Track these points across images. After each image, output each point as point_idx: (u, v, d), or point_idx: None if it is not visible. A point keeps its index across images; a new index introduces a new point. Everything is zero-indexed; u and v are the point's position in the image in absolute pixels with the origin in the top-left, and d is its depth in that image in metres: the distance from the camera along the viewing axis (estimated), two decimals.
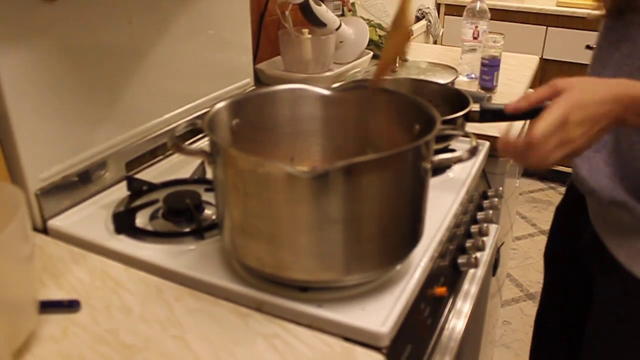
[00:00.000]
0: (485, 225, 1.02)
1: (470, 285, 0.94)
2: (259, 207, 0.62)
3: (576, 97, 0.66)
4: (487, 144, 1.10)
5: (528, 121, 0.83)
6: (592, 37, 2.89)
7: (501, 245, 1.45)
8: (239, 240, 0.66)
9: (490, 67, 1.46)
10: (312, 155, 0.81)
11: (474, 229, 1.00)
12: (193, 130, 0.93)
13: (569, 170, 0.93)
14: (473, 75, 1.59)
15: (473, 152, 0.66)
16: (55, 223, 0.82)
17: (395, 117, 0.74)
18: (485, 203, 1.08)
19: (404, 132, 0.71)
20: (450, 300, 0.88)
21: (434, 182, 0.92)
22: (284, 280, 0.66)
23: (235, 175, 0.63)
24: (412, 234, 0.69)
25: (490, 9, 1.62)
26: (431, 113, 0.68)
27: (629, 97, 0.66)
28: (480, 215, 1.04)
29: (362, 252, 0.64)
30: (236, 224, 0.66)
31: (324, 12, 1.42)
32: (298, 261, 0.63)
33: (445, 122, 0.89)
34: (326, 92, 0.78)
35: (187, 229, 0.80)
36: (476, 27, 1.57)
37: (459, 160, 0.66)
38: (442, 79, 1.35)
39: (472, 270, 0.96)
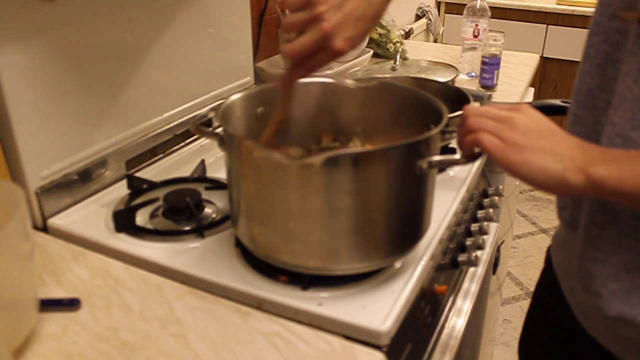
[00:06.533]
0: (485, 223, 1.02)
1: (471, 284, 0.94)
2: (267, 193, 0.64)
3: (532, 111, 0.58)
4: None
5: None
6: None
7: (501, 244, 1.45)
8: (248, 225, 0.68)
9: (490, 65, 1.46)
10: (332, 144, 0.83)
11: (474, 227, 1.00)
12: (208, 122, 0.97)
13: None
14: (473, 74, 1.59)
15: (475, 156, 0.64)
16: (55, 221, 0.82)
17: (411, 114, 0.76)
18: (486, 201, 1.08)
19: (422, 129, 0.70)
20: (451, 299, 0.88)
21: None
22: (278, 262, 0.67)
23: (244, 161, 0.65)
24: (412, 230, 0.69)
25: (490, 7, 1.62)
26: (440, 110, 0.68)
27: (595, 146, 0.56)
28: (480, 213, 1.04)
29: (360, 242, 0.65)
30: (244, 209, 0.68)
31: None
32: (294, 246, 0.65)
33: None
34: (348, 85, 0.80)
35: (187, 228, 0.80)
36: (476, 25, 1.57)
37: (457, 162, 0.65)
38: (443, 77, 1.35)
39: (472, 269, 0.96)
